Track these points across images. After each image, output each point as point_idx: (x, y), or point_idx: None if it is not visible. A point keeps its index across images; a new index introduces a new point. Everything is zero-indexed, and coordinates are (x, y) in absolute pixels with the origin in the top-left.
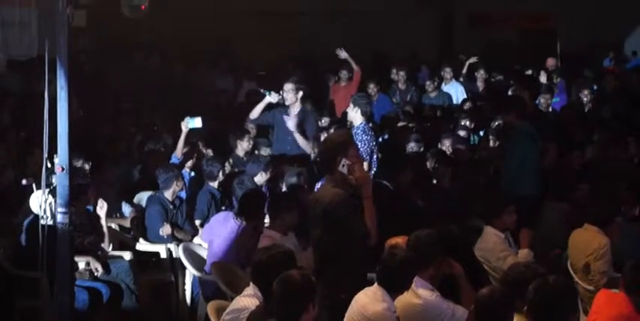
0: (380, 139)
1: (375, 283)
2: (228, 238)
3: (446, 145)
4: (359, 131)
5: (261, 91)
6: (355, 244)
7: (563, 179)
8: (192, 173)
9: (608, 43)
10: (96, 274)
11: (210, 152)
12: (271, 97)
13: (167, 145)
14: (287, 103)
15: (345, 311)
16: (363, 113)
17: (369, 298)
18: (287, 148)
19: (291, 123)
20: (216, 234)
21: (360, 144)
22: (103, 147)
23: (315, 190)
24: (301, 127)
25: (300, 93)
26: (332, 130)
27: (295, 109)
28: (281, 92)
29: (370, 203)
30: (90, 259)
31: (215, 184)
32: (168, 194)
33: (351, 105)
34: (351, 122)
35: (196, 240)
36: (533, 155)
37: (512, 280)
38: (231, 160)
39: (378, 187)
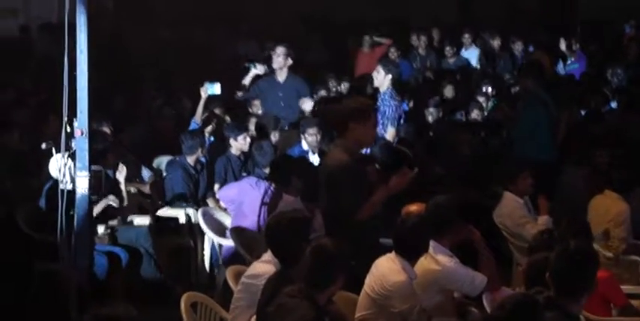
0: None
1: (393, 251)
2: (258, 201)
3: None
4: (386, 97)
5: (246, 64)
6: (357, 210)
7: (583, 144)
8: (212, 138)
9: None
10: (114, 204)
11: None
12: (257, 69)
13: (186, 110)
14: (274, 66)
15: (356, 277)
16: (392, 79)
17: (388, 269)
18: (281, 114)
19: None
20: (247, 196)
21: (387, 109)
22: (123, 111)
23: None
24: (296, 97)
25: (290, 60)
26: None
27: (283, 75)
28: (272, 54)
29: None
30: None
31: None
32: (191, 160)
33: (381, 70)
34: (378, 87)
35: (211, 204)
36: (545, 121)
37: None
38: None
39: (398, 153)
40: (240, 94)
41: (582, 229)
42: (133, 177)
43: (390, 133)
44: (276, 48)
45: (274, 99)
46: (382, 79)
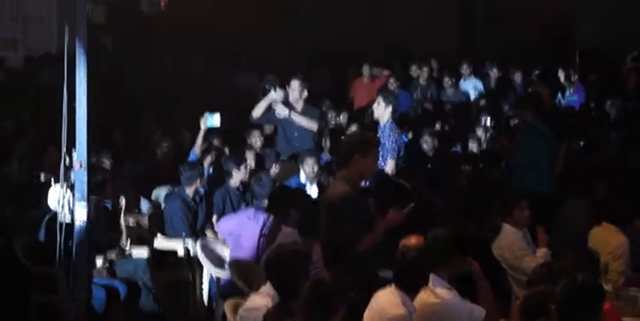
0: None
1: (392, 284)
2: (256, 233)
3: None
4: (386, 129)
5: (266, 86)
6: (358, 242)
7: (582, 176)
8: (211, 170)
9: (627, 38)
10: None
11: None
12: (276, 94)
13: (185, 142)
14: (290, 100)
15: (354, 310)
16: (393, 111)
17: (388, 302)
18: (295, 144)
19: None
20: (245, 228)
21: (387, 142)
22: (122, 143)
23: None
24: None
25: (305, 92)
26: (353, 127)
27: (299, 106)
28: (286, 88)
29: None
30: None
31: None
32: (189, 191)
33: (381, 101)
34: (377, 119)
35: (210, 235)
36: (543, 152)
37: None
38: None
39: (396, 186)
40: (254, 116)
41: (589, 261)
42: (131, 209)
43: (389, 165)
44: (291, 82)
45: (289, 129)
46: (382, 111)
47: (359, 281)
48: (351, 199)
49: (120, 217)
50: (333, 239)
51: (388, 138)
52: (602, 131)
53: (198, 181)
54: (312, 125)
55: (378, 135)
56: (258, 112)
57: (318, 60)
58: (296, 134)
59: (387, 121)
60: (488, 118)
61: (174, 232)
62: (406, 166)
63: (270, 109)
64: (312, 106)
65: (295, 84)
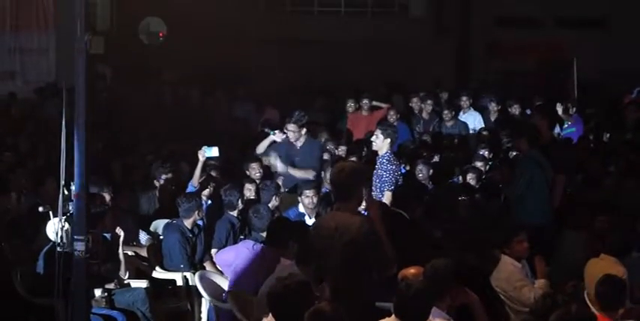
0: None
1: (393, 316)
2: (255, 265)
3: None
4: (384, 160)
5: (266, 130)
6: (376, 273)
7: (580, 209)
8: (209, 202)
9: (624, 69)
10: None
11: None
12: (276, 137)
13: (184, 173)
14: (291, 140)
15: None
16: (391, 143)
17: None
18: (296, 178)
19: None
20: (243, 260)
21: (385, 173)
22: (121, 174)
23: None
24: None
25: (304, 129)
26: (352, 159)
27: (300, 141)
28: (285, 131)
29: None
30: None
31: (235, 213)
32: (188, 223)
33: (380, 134)
34: (376, 151)
35: (209, 267)
36: (538, 183)
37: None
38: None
39: (395, 216)
40: (258, 152)
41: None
42: (130, 240)
43: (386, 197)
44: (287, 126)
45: (290, 158)
46: (381, 143)
47: (358, 312)
48: (372, 232)
49: (118, 249)
50: (356, 271)
51: (386, 169)
52: (601, 164)
53: (197, 212)
54: (308, 175)
55: (376, 166)
56: (260, 149)
57: (314, 92)
58: (297, 158)
59: (386, 153)
60: (487, 150)
61: (173, 264)
62: (404, 197)
63: (272, 142)
64: (312, 139)
65: (291, 127)
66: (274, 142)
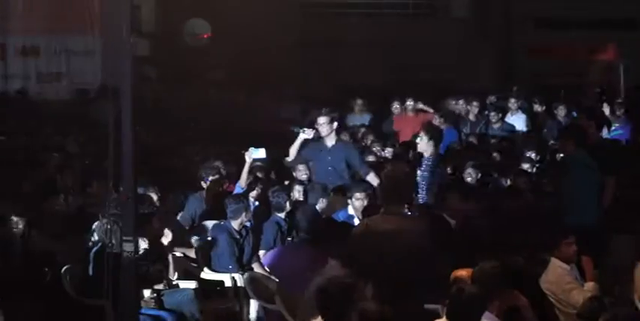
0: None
1: (444, 318)
2: (302, 266)
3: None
4: (429, 162)
5: (294, 129)
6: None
7: (630, 211)
8: (257, 203)
9: None
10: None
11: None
12: (305, 134)
13: (231, 175)
14: (322, 135)
15: None
16: (435, 145)
17: None
18: (329, 179)
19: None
20: (290, 261)
21: (430, 175)
22: (168, 176)
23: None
24: (345, 161)
25: (335, 124)
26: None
27: (331, 140)
28: (316, 126)
29: None
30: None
31: (282, 215)
32: (235, 224)
33: (424, 135)
34: (421, 153)
35: (257, 269)
36: (589, 184)
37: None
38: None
39: (438, 220)
40: (288, 159)
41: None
42: (178, 241)
43: (430, 198)
44: (318, 118)
45: (322, 164)
46: (425, 145)
47: (408, 313)
48: (431, 236)
49: (166, 250)
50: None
51: (431, 171)
52: None
53: (244, 214)
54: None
55: (422, 168)
56: (292, 154)
57: (359, 93)
58: (330, 169)
59: (431, 155)
60: (534, 152)
61: (221, 265)
62: (451, 200)
63: (303, 146)
64: (347, 141)
65: (322, 120)
66: (305, 141)
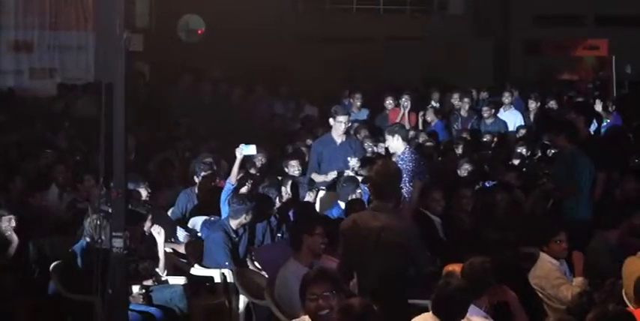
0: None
1: (430, 312)
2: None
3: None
4: (405, 155)
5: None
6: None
7: (618, 205)
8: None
9: None
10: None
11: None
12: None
13: (222, 170)
14: (338, 132)
15: None
16: (404, 139)
17: None
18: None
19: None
20: (281, 258)
21: (410, 164)
22: (158, 171)
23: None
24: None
25: (350, 123)
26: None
27: (341, 137)
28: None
29: None
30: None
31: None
32: (233, 223)
33: (388, 136)
34: (394, 152)
35: (251, 266)
36: (586, 179)
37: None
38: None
39: (423, 217)
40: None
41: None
42: (168, 237)
43: (416, 187)
44: (338, 116)
45: (333, 159)
46: (395, 143)
47: (392, 310)
48: (417, 236)
49: (158, 247)
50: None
51: (410, 160)
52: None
53: (245, 216)
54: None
55: (400, 162)
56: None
57: (355, 89)
58: (341, 164)
59: (403, 152)
60: (524, 147)
61: (214, 262)
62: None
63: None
64: (353, 137)
65: (342, 118)
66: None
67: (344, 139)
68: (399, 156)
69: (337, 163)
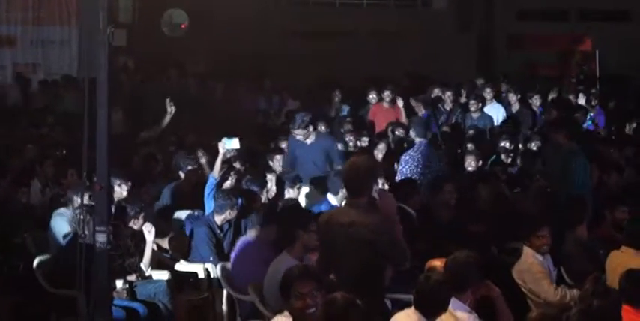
0: None
1: (412, 307)
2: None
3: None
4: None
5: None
6: (391, 267)
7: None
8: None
9: None
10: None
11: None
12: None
13: (205, 165)
14: (303, 138)
15: None
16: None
17: None
18: (309, 173)
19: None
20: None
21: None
22: (142, 166)
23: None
24: (326, 154)
25: (311, 127)
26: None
27: (310, 139)
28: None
29: (400, 227)
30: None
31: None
32: (218, 219)
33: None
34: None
35: None
36: (582, 176)
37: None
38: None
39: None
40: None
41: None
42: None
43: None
44: (294, 132)
45: (304, 160)
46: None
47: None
48: (387, 231)
49: (147, 245)
50: (374, 266)
51: (422, 155)
52: (623, 155)
53: (229, 212)
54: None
55: (413, 154)
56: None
57: (337, 84)
58: (309, 154)
59: (421, 141)
60: (508, 141)
61: (200, 257)
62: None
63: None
64: (325, 134)
65: (299, 132)
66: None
67: (313, 140)
68: (413, 148)
69: (307, 164)
